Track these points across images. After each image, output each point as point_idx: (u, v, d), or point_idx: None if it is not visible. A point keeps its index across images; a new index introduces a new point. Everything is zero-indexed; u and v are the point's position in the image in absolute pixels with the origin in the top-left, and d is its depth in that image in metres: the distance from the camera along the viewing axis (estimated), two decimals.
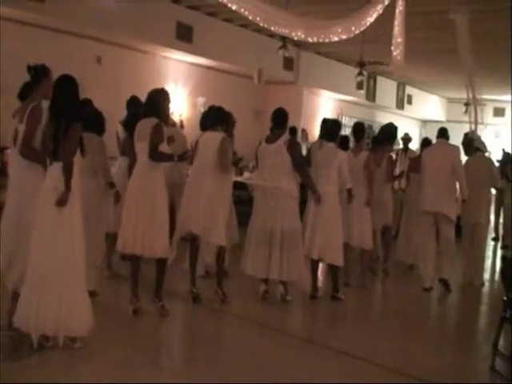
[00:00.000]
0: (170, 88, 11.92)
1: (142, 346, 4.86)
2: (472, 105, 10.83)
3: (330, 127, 6.88)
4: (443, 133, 7.75)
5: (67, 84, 4.55)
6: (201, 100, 11.62)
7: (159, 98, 5.52)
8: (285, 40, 10.97)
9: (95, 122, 5.92)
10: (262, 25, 7.96)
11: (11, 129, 5.01)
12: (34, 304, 4.31)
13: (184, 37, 11.05)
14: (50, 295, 4.32)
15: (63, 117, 4.43)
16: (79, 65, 9.37)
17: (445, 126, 8.28)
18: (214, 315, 5.99)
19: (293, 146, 6.23)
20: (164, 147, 5.36)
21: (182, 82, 12.31)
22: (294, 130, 11.58)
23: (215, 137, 6.04)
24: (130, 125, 6.16)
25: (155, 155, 5.31)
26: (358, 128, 7.68)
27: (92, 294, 4.97)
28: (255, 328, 5.63)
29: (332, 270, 6.76)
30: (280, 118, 6.37)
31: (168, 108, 5.69)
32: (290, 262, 6.17)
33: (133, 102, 6.87)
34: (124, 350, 4.68)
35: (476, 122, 10.56)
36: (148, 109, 5.48)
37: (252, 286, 6.50)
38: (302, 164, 6.35)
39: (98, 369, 4.28)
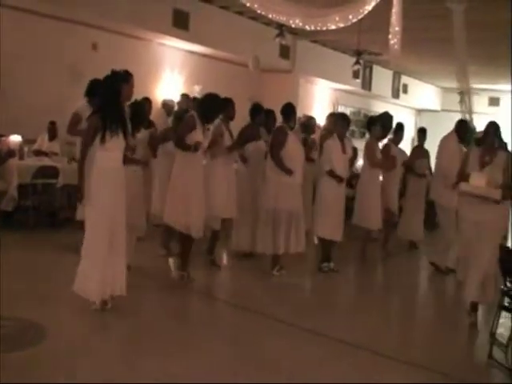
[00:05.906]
0: (166, 75, 11.89)
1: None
2: (465, 94, 10.87)
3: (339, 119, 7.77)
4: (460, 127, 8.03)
5: (104, 82, 5.11)
6: (197, 88, 11.57)
7: (213, 104, 6.37)
8: (281, 28, 10.91)
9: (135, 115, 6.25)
10: (259, 12, 7.91)
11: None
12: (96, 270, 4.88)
13: (180, 24, 10.97)
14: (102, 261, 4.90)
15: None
16: (75, 51, 9.33)
17: (440, 115, 8.41)
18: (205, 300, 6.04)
19: (273, 133, 7.07)
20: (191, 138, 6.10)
21: (178, 70, 12.24)
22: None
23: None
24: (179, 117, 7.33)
25: (179, 143, 6.21)
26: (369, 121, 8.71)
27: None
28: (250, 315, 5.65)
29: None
30: (283, 113, 7.08)
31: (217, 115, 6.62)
32: (298, 235, 6.92)
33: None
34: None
35: (470, 112, 10.64)
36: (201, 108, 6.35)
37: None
38: (272, 152, 6.90)
39: (98, 361, 4.30)
